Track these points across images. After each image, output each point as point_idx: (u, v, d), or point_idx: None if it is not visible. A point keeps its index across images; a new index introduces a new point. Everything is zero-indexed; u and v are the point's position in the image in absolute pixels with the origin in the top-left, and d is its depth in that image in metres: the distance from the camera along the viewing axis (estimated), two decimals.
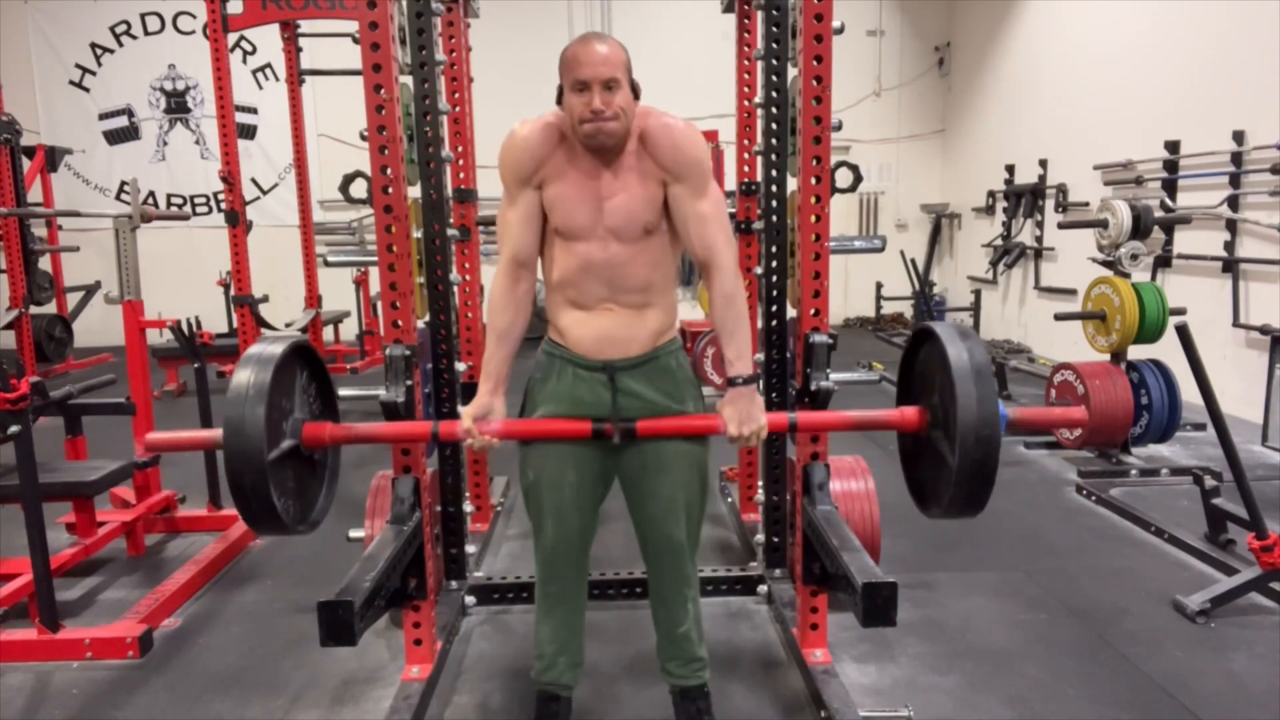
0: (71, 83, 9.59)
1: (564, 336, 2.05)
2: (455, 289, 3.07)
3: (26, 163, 7.55)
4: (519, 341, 2.07)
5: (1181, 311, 4.18)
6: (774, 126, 2.80)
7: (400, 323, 2.35)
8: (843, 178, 2.48)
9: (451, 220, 3.10)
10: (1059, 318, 4.93)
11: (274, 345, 1.95)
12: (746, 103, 3.39)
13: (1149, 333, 4.36)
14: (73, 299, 8.43)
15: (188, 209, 9.82)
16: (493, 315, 2.05)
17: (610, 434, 1.99)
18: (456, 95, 3.36)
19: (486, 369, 2.04)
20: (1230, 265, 5.58)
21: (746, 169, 3.45)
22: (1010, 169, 8.58)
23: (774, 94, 2.77)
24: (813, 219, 2.33)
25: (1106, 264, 4.53)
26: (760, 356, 2.90)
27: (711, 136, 7.95)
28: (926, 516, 2.09)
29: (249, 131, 9.62)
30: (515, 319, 2.04)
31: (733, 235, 2.12)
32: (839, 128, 2.38)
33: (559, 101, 1.93)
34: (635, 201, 1.95)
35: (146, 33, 9.64)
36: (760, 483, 3.14)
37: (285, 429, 1.96)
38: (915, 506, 2.15)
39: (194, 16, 9.43)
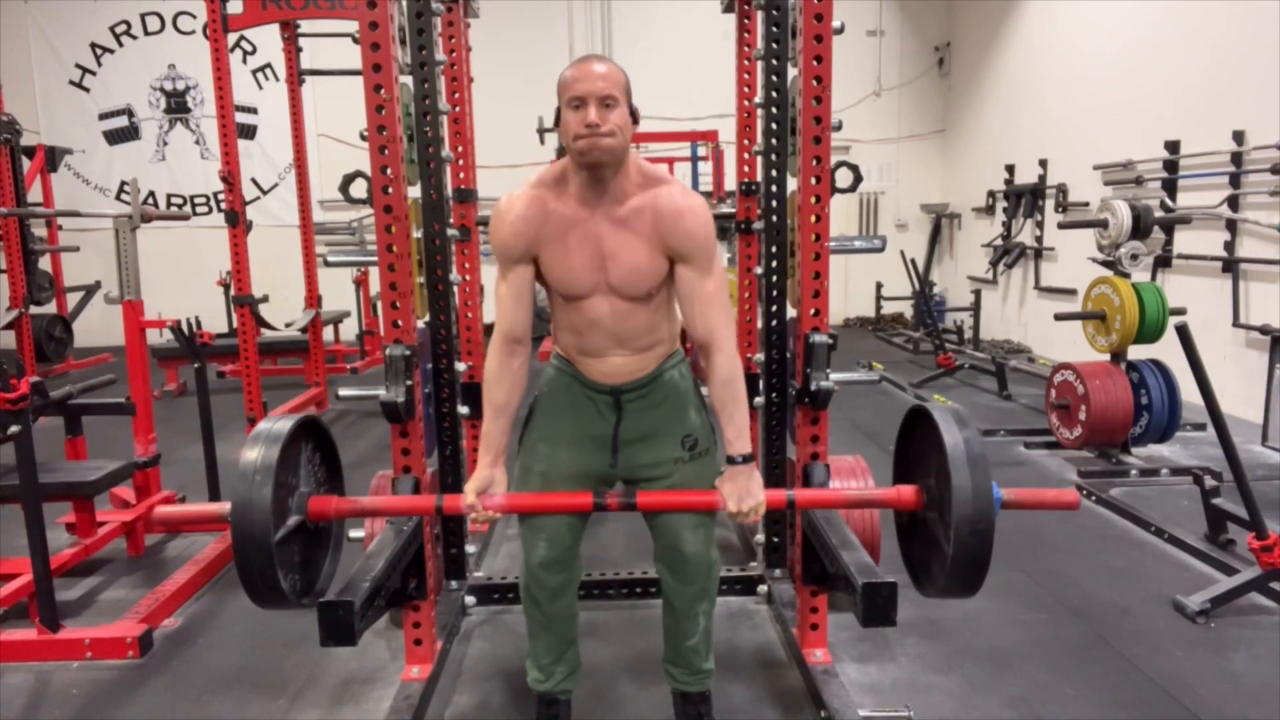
0: (71, 83, 9.60)
1: (572, 362, 2.08)
2: (455, 289, 3.07)
3: (26, 163, 7.55)
4: (516, 413, 2.09)
5: (1181, 311, 4.18)
6: (774, 126, 2.80)
7: (400, 323, 2.35)
8: (843, 178, 2.48)
9: (451, 220, 3.10)
10: (1059, 318, 4.94)
11: (282, 423, 1.96)
12: (746, 103, 3.38)
13: (1149, 333, 4.36)
14: (73, 299, 8.43)
15: (188, 209, 9.83)
16: (489, 390, 2.05)
17: (613, 508, 2.01)
18: (456, 95, 3.35)
19: (485, 441, 2.05)
20: (1230, 265, 5.58)
21: (746, 169, 3.45)
22: (1010, 169, 8.58)
23: (774, 94, 2.77)
24: (813, 219, 2.33)
25: (1106, 264, 4.53)
26: (760, 356, 2.91)
27: (711, 136, 7.98)
28: (921, 594, 2.09)
29: (249, 131, 9.63)
30: (512, 393, 2.05)
31: (732, 317, 2.12)
32: (839, 128, 2.37)
33: (556, 124, 1.91)
34: (640, 264, 1.93)
35: (146, 33, 9.64)
36: None
37: (291, 505, 1.97)
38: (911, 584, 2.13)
39: (194, 16, 9.43)
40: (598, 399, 2.06)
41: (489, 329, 2.15)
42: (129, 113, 9.73)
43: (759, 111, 2.91)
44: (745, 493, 1.98)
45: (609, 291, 1.95)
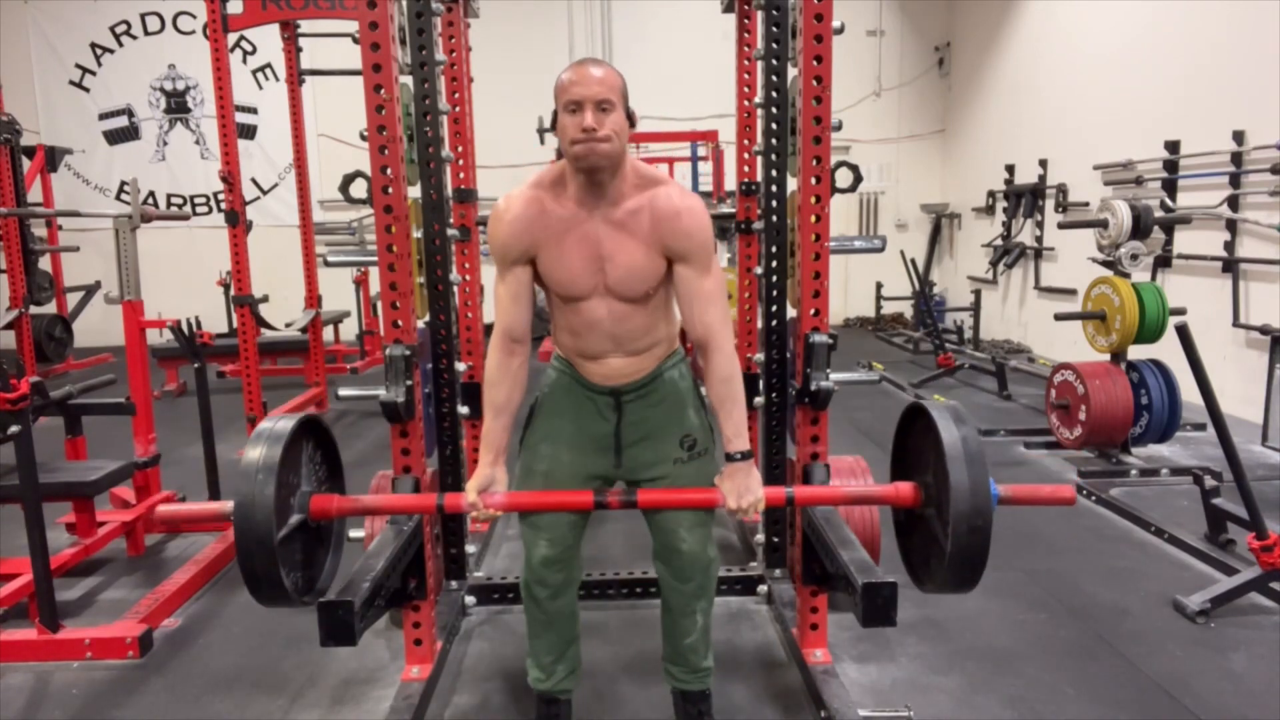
0: (71, 83, 9.59)
1: (572, 364, 2.08)
2: (455, 289, 3.07)
3: (26, 163, 7.55)
4: (516, 413, 2.09)
5: (1181, 311, 4.17)
6: (774, 126, 2.80)
7: (400, 323, 2.35)
8: (843, 178, 2.48)
9: (451, 220, 3.10)
10: (1059, 318, 4.93)
11: (284, 422, 1.97)
12: (746, 103, 3.38)
13: (1149, 333, 4.36)
14: (73, 299, 8.43)
15: (188, 209, 9.83)
16: (489, 390, 2.06)
17: (614, 505, 2.01)
18: (456, 95, 3.35)
19: (486, 440, 2.05)
20: (1230, 265, 5.58)
21: (746, 169, 3.45)
22: (1010, 169, 8.58)
23: (774, 94, 2.77)
24: (813, 219, 2.33)
25: (1106, 264, 4.52)
26: (760, 356, 2.91)
27: (711, 136, 7.97)
28: (919, 591, 2.10)
29: (249, 131, 9.63)
30: (512, 392, 2.05)
31: (730, 316, 2.12)
32: (839, 128, 2.37)
33: (554, 127, 1.90)
34: (637, 265, 1.93)
35: (146, 33, 9.64)
36: None
37: (293, 504, 1.98)
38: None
39: (194, 16, 9.43)
40: (598, 400, 2.07)
41: (489, 329, 2.15)
42: (129, 113, 9.73)
43: (759, 111, 2.91)
44: (744, 489, 1.99)
45: (607, 293, 1.95)
